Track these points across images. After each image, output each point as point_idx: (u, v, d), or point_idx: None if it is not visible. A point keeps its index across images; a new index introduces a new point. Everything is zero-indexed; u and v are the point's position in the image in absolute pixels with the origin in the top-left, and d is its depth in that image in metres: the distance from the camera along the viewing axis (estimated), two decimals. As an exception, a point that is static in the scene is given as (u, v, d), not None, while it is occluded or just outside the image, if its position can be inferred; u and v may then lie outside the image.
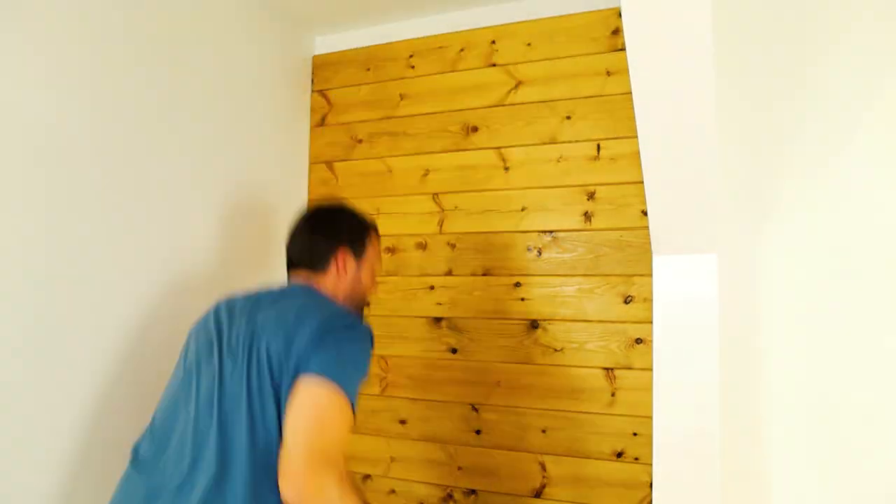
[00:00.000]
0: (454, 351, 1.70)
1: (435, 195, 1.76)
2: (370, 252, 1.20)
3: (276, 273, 1.71)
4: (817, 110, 1.30)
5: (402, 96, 1.82)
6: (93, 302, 1.22)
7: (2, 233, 1.05)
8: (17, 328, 1.08)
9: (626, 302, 1.53)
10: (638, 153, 1.15)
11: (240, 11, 1.64)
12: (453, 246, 1.73)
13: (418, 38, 1.81)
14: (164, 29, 1.38)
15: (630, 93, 1.05)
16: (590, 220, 1.59)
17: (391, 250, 1.80)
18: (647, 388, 1.46)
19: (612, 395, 1.52)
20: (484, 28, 1.73)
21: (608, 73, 1.58)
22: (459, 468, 1.67)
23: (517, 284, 1.65)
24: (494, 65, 1.71)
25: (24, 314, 1.10)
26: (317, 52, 1.97)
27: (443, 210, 1.75)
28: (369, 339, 1.01)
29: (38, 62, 1.10)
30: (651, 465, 1.38)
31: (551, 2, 1.65)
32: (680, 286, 1.23)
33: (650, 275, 1.39)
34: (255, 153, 1.72)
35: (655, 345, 1.23)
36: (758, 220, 1.35)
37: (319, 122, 1.94)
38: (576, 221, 1.60)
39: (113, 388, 1.27)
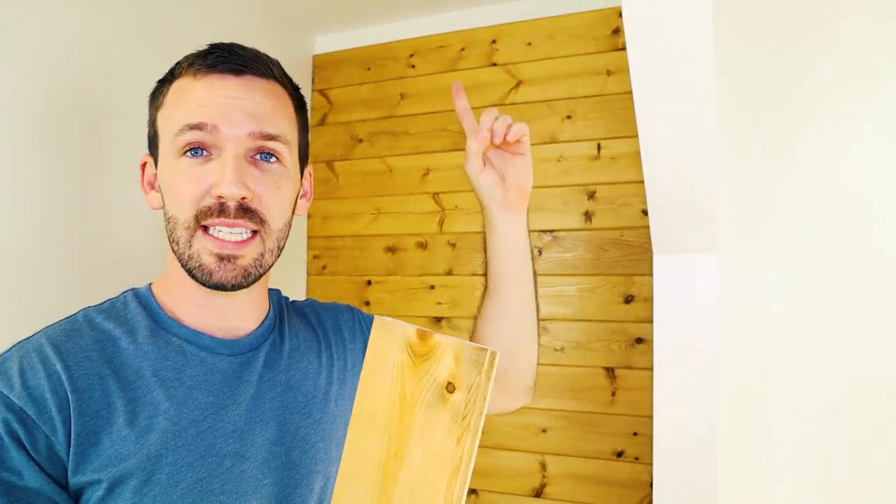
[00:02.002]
0: (454, 350, 1.70)
1: (435, 194, 1.76)
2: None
3: (275, 274, 1.71)
4: (817, 110, 1.30)
5: (402, 96, 1.82)
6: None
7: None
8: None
9: (626, 301, 1.53)
10: (638, 153, 1.14)
11: (240, 10, 1.64)
12: (454, 245, 1.73)
13: (418, 38, 1.81)
14: (163, 28, 1.38)
15: (630, 92, 1.04)
16: (590, 220, 1.58)
17: (391, 250, 1.80)
18: (648, 388, 1.46)
19: (613, 394, 1.52)
20: (484, 28, 1.73)
21: (608, 73, 1.58)
22: (459, 468, 1.67)
23: (517, 284, 1.65)
24: (495, 64, 1.71)
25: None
26: (317, 52, 1.97)
27: (443, 209, 1.75)
28: None
29: (38, 62, 1.10)
30: (651, 464, 1.38)
31: (552, 1, 1.65)
32: (680, 286, 1.23)
33: (651, 274, 1.40)
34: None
35: (656, 344, 1.23)
36: (758, 220, 1.35)
37: (320, 122, 1.94)
38: (576, 221, 1.60)
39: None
